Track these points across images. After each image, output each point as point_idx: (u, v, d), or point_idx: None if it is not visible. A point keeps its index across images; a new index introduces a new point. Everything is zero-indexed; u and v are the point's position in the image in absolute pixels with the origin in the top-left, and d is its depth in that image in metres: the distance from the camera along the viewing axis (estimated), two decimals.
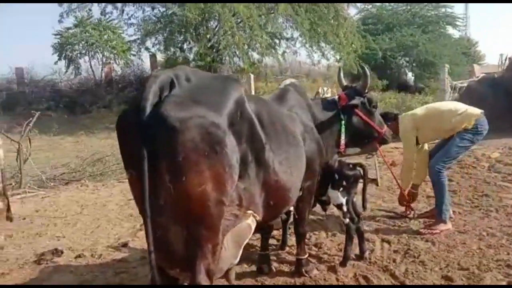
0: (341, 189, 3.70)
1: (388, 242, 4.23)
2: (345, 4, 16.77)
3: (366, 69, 3.78)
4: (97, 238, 4.66)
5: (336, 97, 3.85)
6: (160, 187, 2.08)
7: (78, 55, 19.64)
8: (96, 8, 16.04)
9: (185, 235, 2.17)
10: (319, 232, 4.59)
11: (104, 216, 5.44)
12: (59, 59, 18.82)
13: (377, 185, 6.37)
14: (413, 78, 24.34)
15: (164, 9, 14.30)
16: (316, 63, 18.33)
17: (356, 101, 3.70)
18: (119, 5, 14.79)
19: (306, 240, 4.31)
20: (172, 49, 15.06)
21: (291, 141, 2.86)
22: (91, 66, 20.35)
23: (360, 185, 3.89)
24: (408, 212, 5.00)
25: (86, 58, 19.91)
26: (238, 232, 2.45)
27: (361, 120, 3.76)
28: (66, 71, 18.58)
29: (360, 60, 17.57)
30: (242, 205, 2.42)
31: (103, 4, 14.94)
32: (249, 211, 2.50)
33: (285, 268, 3.76)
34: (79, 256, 4.11)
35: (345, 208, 3.70)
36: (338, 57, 18.12)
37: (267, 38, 15.25)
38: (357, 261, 3.81)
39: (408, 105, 12.17)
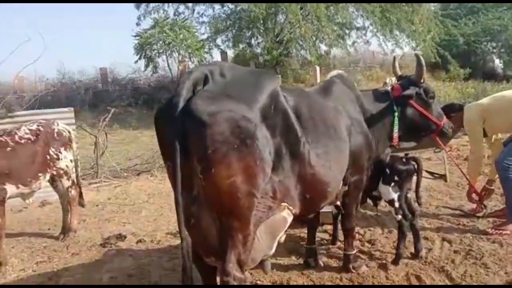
0: (393, 184, 3.55)
1: (449, 242, 3.96)
2: None
3: (421, 58, 3.53)
4: (158, 225, 4.96)
5: (389, 87, 3.67)
6: (193, 178, 2.18)
7: (157, 54, 20.77)
8: (170, 9, 16.80)
9: (217, 225, 2.25)
10: (374, 228, 4.43)
11: (168, 204, 5.75)
12: (139, 58, 20.08)
13: (446, 181, 5.97)
14: (501, 65, 22.17)
15: (233, 6, 14.60)
16: (390, 52, 17.49)
17: (411, 91, 3.49)
18: (190, 4, 15.39)
19: (360, 236, 4.24)
20: (240, 45, 15.36)
21: (331, 134, 2.80)
22: (168, 65, 21.43)
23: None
24: (478, 210, 4.62)
25: (164, 57, 20.99)
26: (272, 224, 2.47)
27: (417, 111, 3.53)
28: (145, 70, 19.72)
29: (439, 48, 16.50)
30: (276, 197, 2.43)
31: (176, 4, 15.64)
32: (284, 204, 2.50)
33: (334, 263, 3.69)
34: (140, 241, 4.43)
35: (397, 204, 3.54)
36: (414, 45, 17.13)
37: (336, 29, 14.89)
38: (412, 260, 3.63)
39: (489, 95, 11.14)
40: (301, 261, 3.72)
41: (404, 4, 14.68)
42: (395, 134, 3.51)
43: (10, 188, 3.88)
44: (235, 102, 2.19)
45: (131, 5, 16.51)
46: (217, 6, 15.41)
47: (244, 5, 13.98)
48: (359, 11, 15.08)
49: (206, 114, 2.08)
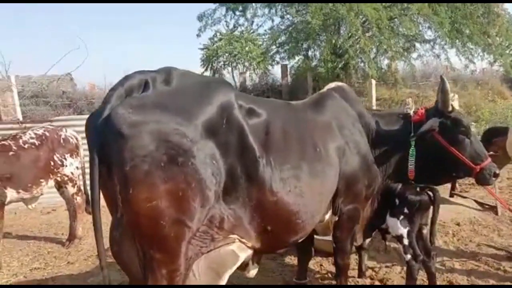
0: (402, 217, 3.00)
1: None
2: None
3: (445, 81, 2.81)
4: None
5: (412, 111, 3.10)
6: (114, 198, 1.91)
7: (222, 66, 21.27)
8: (231, 20, 16.89)
9: (140, 255, 1.95)
10: (392, 265, 3.84)
11: None
12: (205, 70, 20.67)
13: (497, 214, 5.12)
14: None
15: (291, 17, 14.30)
16: (464, 68, 16.00)
17: (432, 122, 2.85)
18: (249, 16, 15.34)
19: (372, 273, 3.71)
20: (297, 57, 14.99)
21: (309, 154, 2.38)
22: (233, 76, 21.80)
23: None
24: None
25: (229, 68, 21.41)
26: (215, 259, 2.11)
27: (442, 146, 2.87)
28: None
29: None
30: (223, 227, 2.08)
31: (236, 16, 15.68)
32: (233, 236, 2.13)
33: None
34: None
35: (406, 241, 2.99)
36: (491, 60, 15.50)
37: (402, 41, 13.95)
38: None
39: None
40: None
41: (479, 15, 13.33)
42: (410, 166, 2.93)
43: (11, 193, 3.91)
44: (170, 113, 1.89)
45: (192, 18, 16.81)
46: (276, 17, 15.24)
47: (300, 18, 13.67)
48: (427, 22, 13.97)
49: (127, 125, 1.80)
